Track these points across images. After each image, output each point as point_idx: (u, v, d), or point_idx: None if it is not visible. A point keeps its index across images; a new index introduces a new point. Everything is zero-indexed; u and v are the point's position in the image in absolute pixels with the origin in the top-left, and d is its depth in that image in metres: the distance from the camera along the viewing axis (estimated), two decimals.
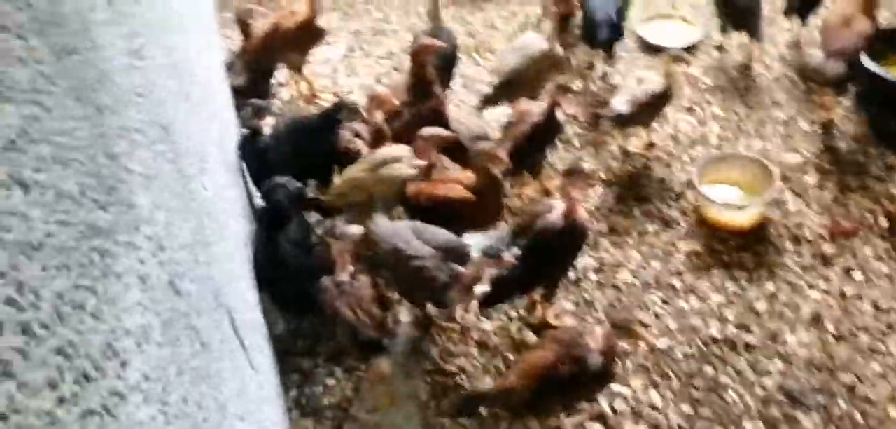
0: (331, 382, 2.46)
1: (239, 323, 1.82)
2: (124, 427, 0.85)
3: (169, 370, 1.09)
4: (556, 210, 2.40)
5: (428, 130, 2.64)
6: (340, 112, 2.87)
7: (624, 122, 3.05)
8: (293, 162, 2.76)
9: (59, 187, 0.85)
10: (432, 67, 2.90)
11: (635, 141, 3.21)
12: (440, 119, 2.81)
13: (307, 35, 3.40)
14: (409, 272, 2.31)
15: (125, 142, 1.23)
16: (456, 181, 2.59)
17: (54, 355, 0.74)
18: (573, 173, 2.39)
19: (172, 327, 1.17)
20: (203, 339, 1.36)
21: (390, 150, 2.70)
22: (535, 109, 2.86)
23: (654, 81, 3.04)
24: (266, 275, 2.42)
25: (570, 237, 2.39)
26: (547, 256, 2.38)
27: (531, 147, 2.82)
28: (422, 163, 2.61)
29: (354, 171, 2.69)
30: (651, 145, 3.20)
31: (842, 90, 3.16)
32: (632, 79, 3.39)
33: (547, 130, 2.82)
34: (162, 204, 1.34)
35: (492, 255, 2.26)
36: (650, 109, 3.04)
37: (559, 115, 2.80)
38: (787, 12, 3.58)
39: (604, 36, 3.27)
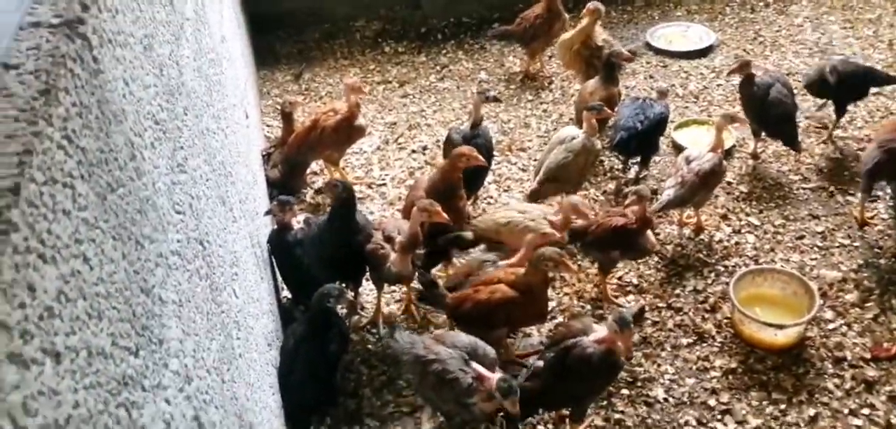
0: None
1: None
2: None
3: None
4: (594, 335, 2.34)
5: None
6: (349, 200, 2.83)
7: (676, 204, 3.07)
8: (324, 264, 2.78)
9: (91, 345, 0.85)
10: (461, 174, 2.93)
11: (672, 230, 3.19)
12: (460, 219, 2.86)
13: (347, 133, 3.47)
14: (432, 377, 2.28)
15: (161, 269, 1.25)
16: (498, 281, 2.57)
17: None
18: (622, 323, 2.30)
19: None
20: None
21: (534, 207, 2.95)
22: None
23: (704, 159, 3.06)
24: (310, 371, 2.42)
25: (603, 366, 2.32)
26: (574, 380, 2.31)
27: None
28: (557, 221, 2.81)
29: (512, 214, 2.89)
30: (699, 230, 3.18)
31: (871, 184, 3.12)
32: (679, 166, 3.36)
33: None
34: (192, 330, 1.35)
35: (505, 390, 2.17)
36: (705, 186, 3.06)
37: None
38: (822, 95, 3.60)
39: (617, 141, 3.32)
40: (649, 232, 2.88)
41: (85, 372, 0.81)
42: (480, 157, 2.95)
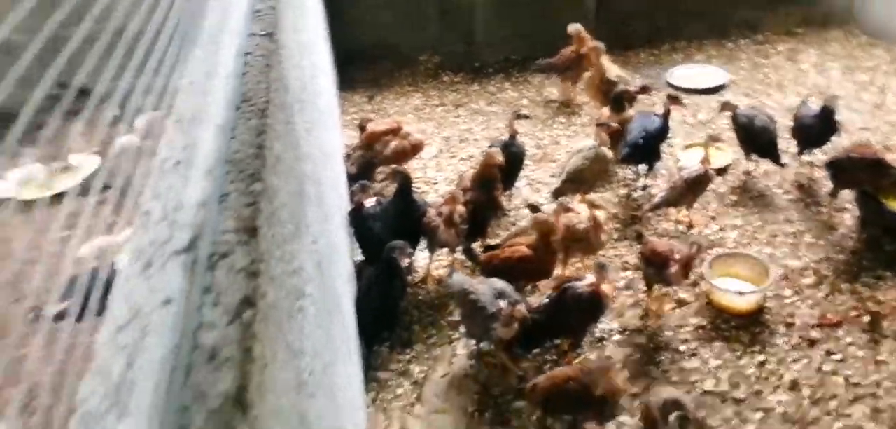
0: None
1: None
2: None
3: None
4: (584, 282, 3.16)
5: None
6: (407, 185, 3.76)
7: (665, 204, 3.84)
8: (390, 232, 3.67)
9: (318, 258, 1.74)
10: (497, 169, 3.81)
11: (668, 226, 3.96)
12: (496, 206, 3.76)
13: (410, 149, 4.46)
14: (469, 304, 3.12)
15: (317, 225, 2.14)
16: (519, 245, 3.44)
17: None
18: (602, 268, 3.13)
19: None
20: None
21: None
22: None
23: (693, 168, 3.83)
24: (378, 304, 3.31)
25: (591, 305, 3.13)
26: (569, 313, 3.12)
27: None
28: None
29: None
30: (690, 226, 3.93)
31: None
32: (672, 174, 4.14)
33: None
34: (321, 252, 2.23)
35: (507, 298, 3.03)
36: (690, 191, 3.82)
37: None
38: (800, 149, 4.28)
39: (623, 155, 4.10)
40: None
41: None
42: (500, 157, 3.81)
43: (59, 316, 1.23)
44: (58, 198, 3.36)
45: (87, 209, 1.35)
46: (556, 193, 4.08)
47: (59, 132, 1.40)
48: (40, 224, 1.48)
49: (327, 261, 2.41)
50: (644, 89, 4.74)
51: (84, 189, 1.47)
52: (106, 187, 1.40)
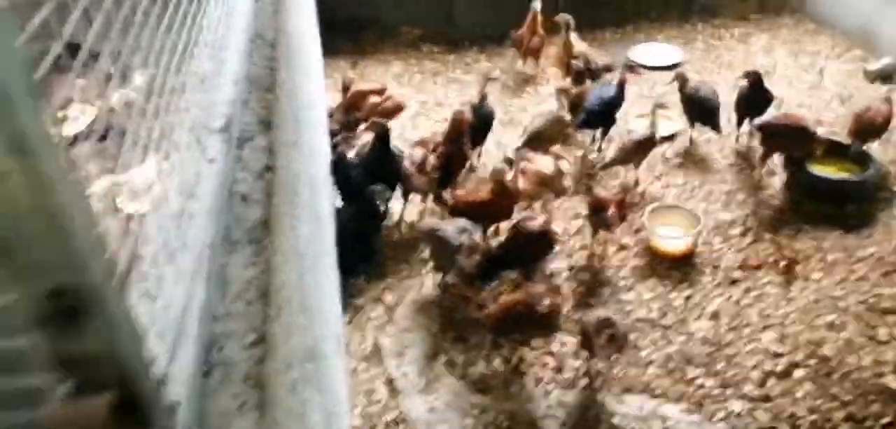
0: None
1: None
2: None
3: None
4: (536, 219, 3.63)
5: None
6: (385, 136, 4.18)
7: (615, 163, 4.31)
8: (368, 178, 4.11)
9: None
10: (467, 127, 4.26)
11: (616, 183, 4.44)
12: (464, 157, 4.21)
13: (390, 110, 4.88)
14: (437, 240, 3.58)
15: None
16: (479, 192, 3.91)
17: None
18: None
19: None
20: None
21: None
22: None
23: (640, 132, 4.31)
24: (357, 237, 3.76)
25: (542, 238, 3.60)
26: (522, 246, 3.59)
27: None
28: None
29: None
30: (637, 182, 4.41)
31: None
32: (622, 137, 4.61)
33: None
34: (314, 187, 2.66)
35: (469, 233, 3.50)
36: (637, 152, 4.29)
37: None
38: (739, 120, 4.76)
39: (579, 121, 4.57)
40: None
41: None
42: (468, 115, 4.26)
43: None
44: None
45: (92, 153, 1.66)
46: (518, 149, 4.53)
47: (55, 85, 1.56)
48: None
49: (315, 181, 2.85)
50: (607, 69, 5.20)
51: (87, 135, 1.55)
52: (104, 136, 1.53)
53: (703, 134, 4.87)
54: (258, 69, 1.95)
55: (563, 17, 5.30)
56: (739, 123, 4.77)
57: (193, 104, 1.68)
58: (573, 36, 5.38)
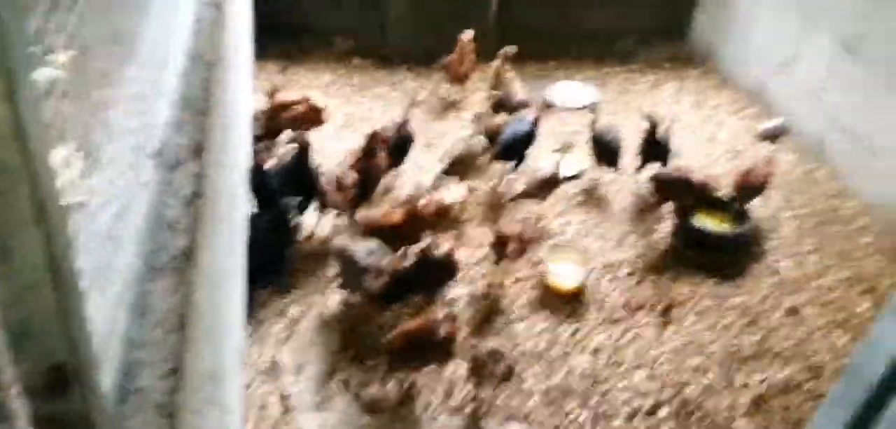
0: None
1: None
2: None
3: None
4: (441, 248, 3.88)
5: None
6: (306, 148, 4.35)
7: (521, 197, 4.62)
8: (286, 189, 4.26)
9: None
10: (382, 145, 4.47)
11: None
12: (377, 173, 4.45)
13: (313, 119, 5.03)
14: (346, 260, 3.78)
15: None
16: (391, 215, 4.14)
17: None
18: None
19: None
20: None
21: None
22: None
23: (546, 170, 4.63)
24: (268, 249, 3.91)
25: (445, 265, 3.86)
26: (427, 271, 3.83)
27: None
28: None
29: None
30: (539, 218, 4.72)
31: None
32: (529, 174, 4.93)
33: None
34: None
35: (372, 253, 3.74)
36: (542, 189, 4.61)
37: None
38: (641, 165, 5.16)
39: (495, 152, 4.88)
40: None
41: None
42: (386, 134, 4.49)
43: None
44: None
45: None
46: (441, 175, 4.80)
47: None
48: None
49: (234, 194, 3.00)
50: (523, 104, 5.50)
51: None
52: None
53: (605, 175, 5.24)
54: (194, 90, 2.10)
55: (509, 50, 5.56)
56: (642, 167, 5.15)
57: (130, 125, 1.82)
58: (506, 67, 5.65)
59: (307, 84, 6.01)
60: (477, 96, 5.92)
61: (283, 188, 4.24)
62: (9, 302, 0.92)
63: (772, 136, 5.95)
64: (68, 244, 0.99)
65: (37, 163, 0.88)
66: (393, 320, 3.90)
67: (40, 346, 0.94)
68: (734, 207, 4.78)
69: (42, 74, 1.35)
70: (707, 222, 4.70)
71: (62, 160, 1.31)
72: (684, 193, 4.64)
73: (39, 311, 0.93)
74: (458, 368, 3.73)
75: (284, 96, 5.09)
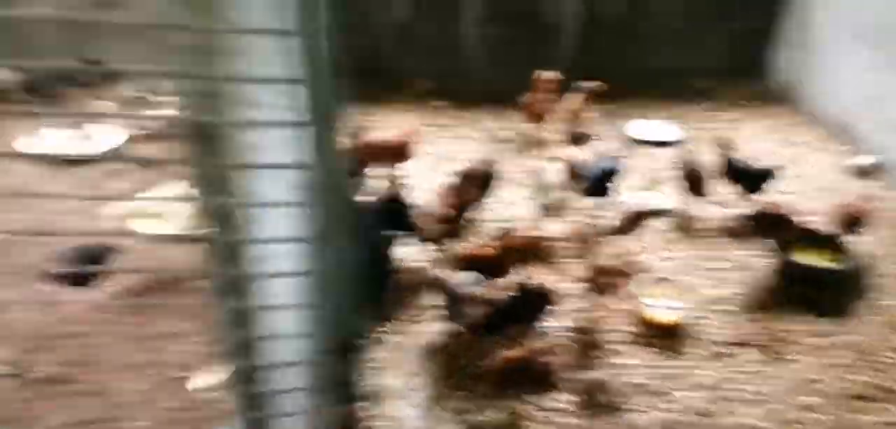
0: None
1: None
2: None
3: None
4: (536, 280, 3.89)
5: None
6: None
7: (611, 231, 4.60)
8: (382, 223, 4.36)
9: None
10: (472, 181, 4.54)
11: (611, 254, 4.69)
12: (467, 209, 4.56)
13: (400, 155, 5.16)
14: (447, 291, 3.81)
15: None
16: (486, 248, 4.17)
17: None
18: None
19: None
20: None
21: None
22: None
23: (635, 205, 4.61)
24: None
25: (544, 297, 3.85)
26: (526, 303, 3.83)
27: None
28: None
29: None
30: (634, 252, 4.67)
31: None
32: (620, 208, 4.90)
33: None
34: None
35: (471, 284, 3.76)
36: (633, 223, 4.58)
37: None
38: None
39: (583, 187, 4.89)
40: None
41: None
42: (477, 170, 4.55)
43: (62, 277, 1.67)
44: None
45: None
46: (536, 212, 4.84)
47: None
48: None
49: None
50: (587, 137, 5.53)
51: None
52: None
53: (694, 208, 5.16)
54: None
55: (593, 86, 5.62)
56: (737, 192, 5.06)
57: None
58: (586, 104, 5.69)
59: (388, 127, 6.15)
60: (557, 134, 5.94)
61: (380, 222, 4.33)
62: None
63: (864, 172, 5.80)
64: None
65: None
66: (491, 351, 3.88)
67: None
68: (836, 242, 4.64)
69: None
70: (808, 258, 4.57)
71: None
72: (785, 229, 4.53)
73: None
74: (559, 398, 3.68)
75: (376, 137, 5.23)
